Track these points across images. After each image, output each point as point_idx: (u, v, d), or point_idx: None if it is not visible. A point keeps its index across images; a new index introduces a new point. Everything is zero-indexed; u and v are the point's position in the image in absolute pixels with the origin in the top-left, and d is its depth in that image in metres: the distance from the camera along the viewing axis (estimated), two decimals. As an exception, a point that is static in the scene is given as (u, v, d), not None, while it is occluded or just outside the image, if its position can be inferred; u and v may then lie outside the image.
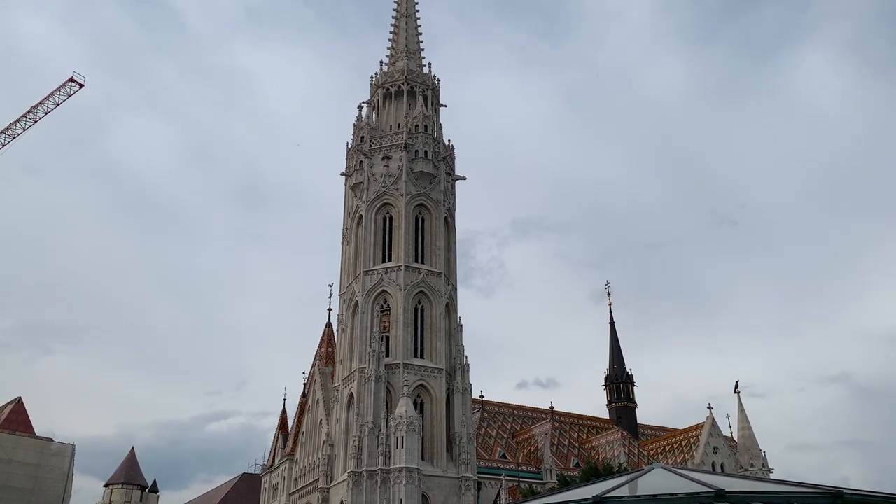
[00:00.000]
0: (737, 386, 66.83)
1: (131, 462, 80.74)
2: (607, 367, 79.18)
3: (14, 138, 78.63)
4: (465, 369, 58.31)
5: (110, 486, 78.38)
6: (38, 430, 69.61)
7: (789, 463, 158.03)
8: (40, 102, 79.70)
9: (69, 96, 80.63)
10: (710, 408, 66.27)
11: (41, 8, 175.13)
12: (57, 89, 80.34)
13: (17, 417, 68.62)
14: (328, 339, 70.84)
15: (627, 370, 78.35)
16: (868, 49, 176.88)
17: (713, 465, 61.56)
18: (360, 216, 62.97)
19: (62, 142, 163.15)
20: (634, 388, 77.46)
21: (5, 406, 70.50)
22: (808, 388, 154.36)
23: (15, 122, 78.65)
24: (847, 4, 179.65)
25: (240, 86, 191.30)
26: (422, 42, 73.11)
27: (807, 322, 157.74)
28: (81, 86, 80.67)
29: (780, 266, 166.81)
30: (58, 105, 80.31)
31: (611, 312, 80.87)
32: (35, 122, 79.34)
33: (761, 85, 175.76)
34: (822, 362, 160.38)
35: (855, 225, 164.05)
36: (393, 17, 74.38)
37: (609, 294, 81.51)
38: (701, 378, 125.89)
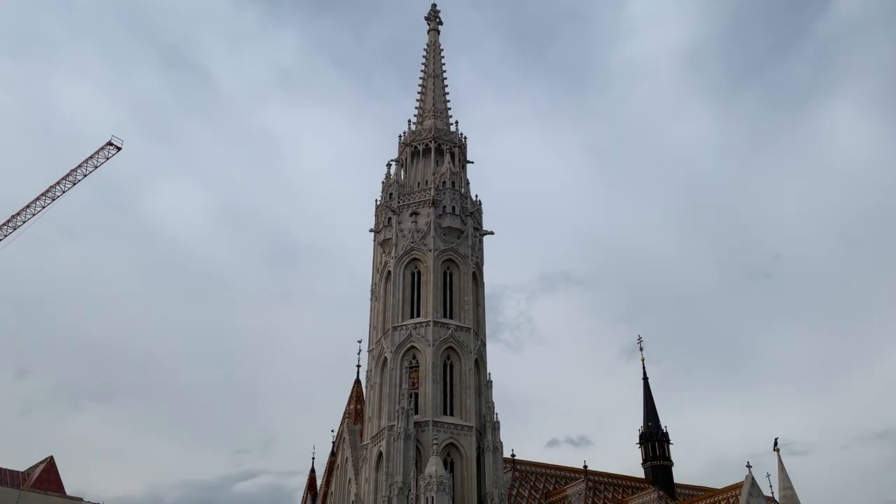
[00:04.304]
0: (776, 443, 64.53)
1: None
2: (641, 424, 77.27)
3: (53, 200, 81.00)
4: (496, 427, 57.29)
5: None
6: (69, 489, 69.56)
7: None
8: (79, 165, 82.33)
9: (107, 159, 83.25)
10: (748, 466, 63.94)
11: (81, 76, 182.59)
12: (96, 152, 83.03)
13: (49, 477, 68.66)
14: (357, 396, 70.35)
15: (662, 427, 76.32)
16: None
17: (755, 526, 59.07)
18: (389, 272, 63.23)
19: (97, 204, 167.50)
20: (670, 445, 75.31)
21: (37, 466, 70.69)
22: (852, 445, 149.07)
23: (55, 184, 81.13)
24: (875, 57, 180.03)
25: (271, 147, 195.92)
26: (449, 101, 74.45)
27: (847, 376, 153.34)
28: (119, 149, 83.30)
29: (816, 318, 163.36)
30: (96, 168, 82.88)
31: (644, 368, 79.31)
32: (74, 184, 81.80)
33: (790, 137, 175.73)
34: (865, 418, 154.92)
35: (890, 275, 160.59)
36: (420, 78, 76.08)
37: (641, 349, 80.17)
38: (739, 435, 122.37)
